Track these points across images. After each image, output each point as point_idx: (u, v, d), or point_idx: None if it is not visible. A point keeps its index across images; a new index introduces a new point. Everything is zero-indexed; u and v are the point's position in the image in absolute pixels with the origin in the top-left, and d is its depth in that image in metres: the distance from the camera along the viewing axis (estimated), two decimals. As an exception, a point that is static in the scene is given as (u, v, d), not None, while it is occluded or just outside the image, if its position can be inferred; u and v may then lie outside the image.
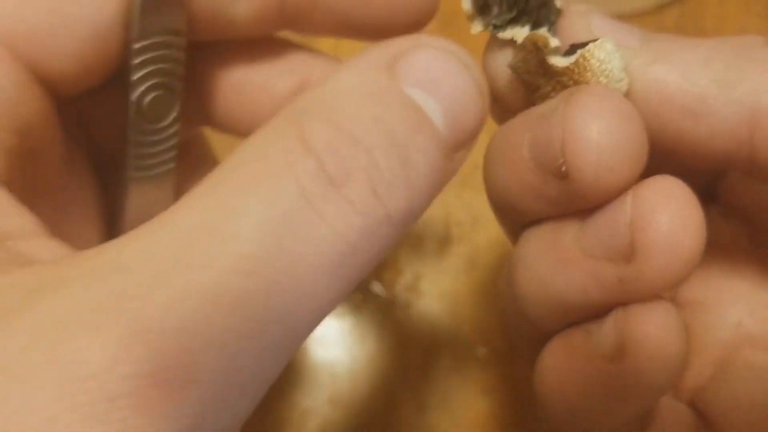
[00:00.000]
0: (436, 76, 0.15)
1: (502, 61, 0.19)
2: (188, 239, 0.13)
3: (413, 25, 0.21)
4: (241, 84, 0.21)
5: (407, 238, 0.34)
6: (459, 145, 0.16)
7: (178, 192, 0.20)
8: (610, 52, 0.18)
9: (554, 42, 0.18)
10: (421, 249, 0.34)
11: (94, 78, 0.18)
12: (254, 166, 0.14)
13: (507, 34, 0.19)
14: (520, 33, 0.18)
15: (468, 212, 0.35)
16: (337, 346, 0.33)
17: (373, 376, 0.32)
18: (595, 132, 0.16)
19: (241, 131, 0.21)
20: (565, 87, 0.18)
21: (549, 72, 0.19)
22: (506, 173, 0.19)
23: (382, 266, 0.34)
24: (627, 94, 0.18)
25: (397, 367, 0.32)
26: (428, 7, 0.21)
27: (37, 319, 0.12)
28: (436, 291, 0.34)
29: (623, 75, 0.18)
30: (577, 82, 0.18)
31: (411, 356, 0.32)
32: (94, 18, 0.17)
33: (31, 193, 0.17)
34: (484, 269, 0.34)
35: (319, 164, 0.14)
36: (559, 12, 0.19)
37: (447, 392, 0.32)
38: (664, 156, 0.17)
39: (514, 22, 0.19)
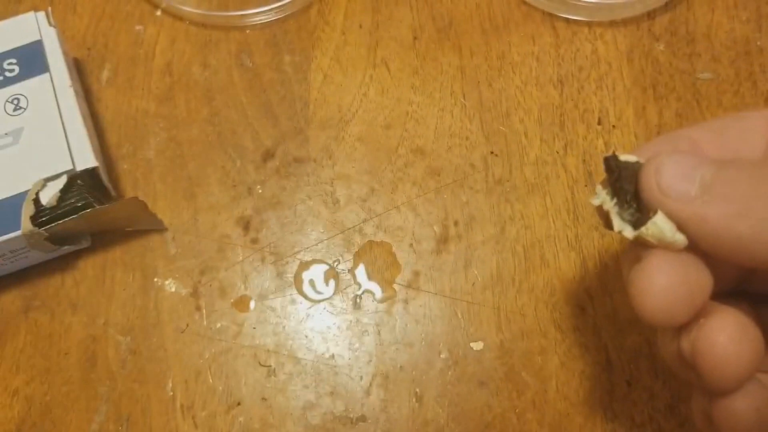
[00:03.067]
0: None
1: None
2: None
3: None
4: None
5: (406, 237, 0.35)
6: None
7: None
8: (662, 227, 0.21)
9: (679, 237, 0.21)
10: (420, 247, 0.35)
11: None
12: None
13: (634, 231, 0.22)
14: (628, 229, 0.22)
15: (465, 212, 0.36)
16: (338, 341, 0.34)
17: (373, 370, 0.33)
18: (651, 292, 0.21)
19: None
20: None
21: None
22: None
23: (382, 265, 0.35)
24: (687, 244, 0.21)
25: (396, 361, 0.33)
26: None
27: None
28: (433, 287, 0.34)
29: (677, 236, 0.21)
30: (644, 244, 0.22)
31: (410, 351, 0.33)
32: None
33: None
34: (480, 266, 0.34)
35: None
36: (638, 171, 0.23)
37: (445, 385, 0.33)
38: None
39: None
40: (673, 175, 0.21)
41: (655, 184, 0.21)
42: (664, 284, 0.21)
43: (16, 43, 0.35)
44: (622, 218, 0.22)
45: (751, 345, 0.21)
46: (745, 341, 0.21)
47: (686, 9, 0.40)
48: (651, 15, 0.40)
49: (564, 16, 0.40)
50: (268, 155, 0.37)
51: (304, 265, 0.35)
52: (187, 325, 0.34)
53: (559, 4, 0.39)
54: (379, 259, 0.35)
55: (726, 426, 0.22)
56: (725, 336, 0.20)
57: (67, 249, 0.34)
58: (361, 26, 0.40)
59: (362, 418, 0.32)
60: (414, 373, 0.33)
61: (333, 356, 0.33)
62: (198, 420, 0.32)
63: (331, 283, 0.34)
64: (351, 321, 0.34)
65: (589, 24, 0.39)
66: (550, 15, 0.40)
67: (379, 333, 0.33)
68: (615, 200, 0.23)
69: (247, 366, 0.33)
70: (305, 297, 0.34)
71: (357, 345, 0.33)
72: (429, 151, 0.37)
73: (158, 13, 0.41)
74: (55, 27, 0.36)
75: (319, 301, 0.34)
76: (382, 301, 0.34)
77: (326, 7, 0.41)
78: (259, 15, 0.40)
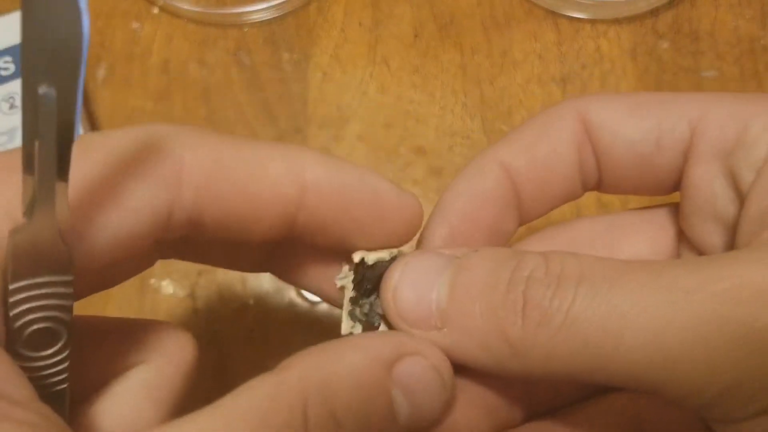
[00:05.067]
0: (418, 387, 0.19)
1: None
2: None
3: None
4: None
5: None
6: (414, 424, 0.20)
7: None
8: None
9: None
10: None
11: None
12: (256, 417, 0.16)
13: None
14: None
15: (466, 212, 0.35)
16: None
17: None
18: None
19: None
20: None
21: None
22: None
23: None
24: None
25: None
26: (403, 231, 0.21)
27: None
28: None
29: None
30: None
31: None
32: None
33: None
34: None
35: None
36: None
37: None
38: None
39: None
40: (410, 301, 0.20)
41: (396, 314, 0.20)
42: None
43: (11, 41, 0.35)
44: (353, 316, 0.21)
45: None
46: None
47: (690, 6, 0.39)
48: (654, 12, 0.39)
49: (567, 13, 0.39)
50: (266, 155, 0.37)
51: (304, 266, 0.35)
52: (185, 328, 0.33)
53: (561, 1, 0.39)
54: (379, 260, 0.35)
55: None
56: None
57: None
58: (360, 24, 0.40)
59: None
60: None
61: (333, 359, 0.33)
62: (196, 423, 0.32)
63: (331, 284, 0.34)
64: (351, 323, 0.33)
65: (592, 21, 0.39)
66: (553, 12, 0.39)
67: (379, 335, 0.33)
68: (354, 293, 0.21)
69: (247, 368, 0.33)
70: (304, 299, 0.34)
71: (357, 347, 0.33)
72: (430, 151, 0.37)
73: (155, 10, 0.40)
74: (50, 24, 0.36)
75: (318, 303, 0.34)
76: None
77: (325, 5, 0.40)
78: (257, 12, 0.39)
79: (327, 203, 0.20)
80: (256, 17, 0.40)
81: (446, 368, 0.20)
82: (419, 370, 0.19)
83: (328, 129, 0.37)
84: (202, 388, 0.32)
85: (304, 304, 0.34)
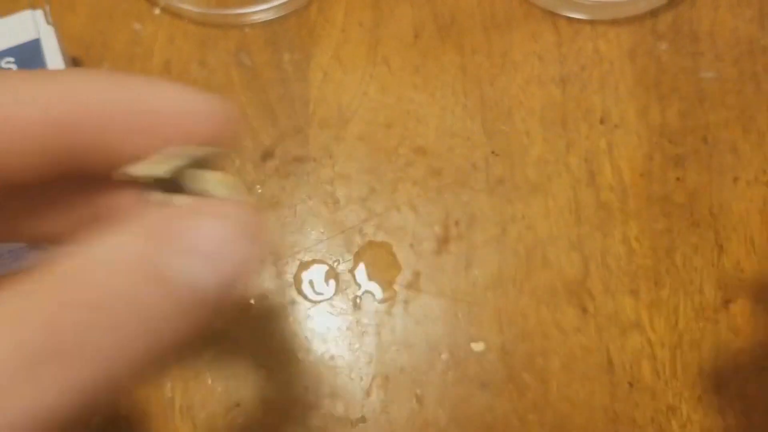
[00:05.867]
0: (209, 247, 0.15)
1: None
2: None
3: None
4: None
5: (406, 237, 0.35)
6: (225, 293, 0.16)
7: None
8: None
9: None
10: (420, 247, 0.35)
11: None
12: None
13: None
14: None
15: (466, 212, 0.35)
16: (338, 341, 0.33)
17: (373, 372, 0.33)
18: None
19: None
20: None
21: None
22: None
23: (382, 265, 0.35)
24: None
25: (396, 363, 0.33)
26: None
27: None
28: (434, 288, 0.34)
29: None
30: None
31: (410, 352, 0.33)
32: None
33: None
34: (481, 267, 0.34)
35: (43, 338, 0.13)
36: None
37: (445, 387, 0.32)
38: None
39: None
40: None
41: None
42: None
43: (13, 41, 0.35)
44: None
45: None
46: None
47: (689, 7, 0.40)
48: (654, 13, 0.39)
49: (566, 14, 0.39)
50: (267, 154, 0.37)
51: (304, 266, 0.35)
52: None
53: (561, 2, 0.39)
54: (379, 259, 0.35)
55: None
56: None
57: (64, 249, 0.34)
58: (361, 24, 0.40)
59: (362, 420, 0.32)
60: (414, 374, 0.32)
61: (333, 357, 0.33)
62: (197, 421, 0.32)
63: (331, 283, 0.34)
64: (351, 322, 0.33)
65: (591, 22, 0.39)
66: (552, 13, 0.39)
67: (379, 334, 0.33)
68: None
69: (247, 367, 0.33)
70: (305, 297, 0.34)
71: (357, 346, 0.33)
72: (430, 151, 0.37)
73: (157, 11, 0.41)
74: (52, 25, 0.36)
75: (319, 302, 0.34)
76: (382, 301, 0.34)
77: (326, 5, 0.40)
78: (258, 13, 0.40)
79: (105, 122, 0.17)
80: (257, 18, 0.40)
81: (240, 213, 0.16)
82: (207, 230, 0.15)
83: (329, 129, 0.37)
84: (203, 387, 0.32)
85: (305, 304, 0.34)
